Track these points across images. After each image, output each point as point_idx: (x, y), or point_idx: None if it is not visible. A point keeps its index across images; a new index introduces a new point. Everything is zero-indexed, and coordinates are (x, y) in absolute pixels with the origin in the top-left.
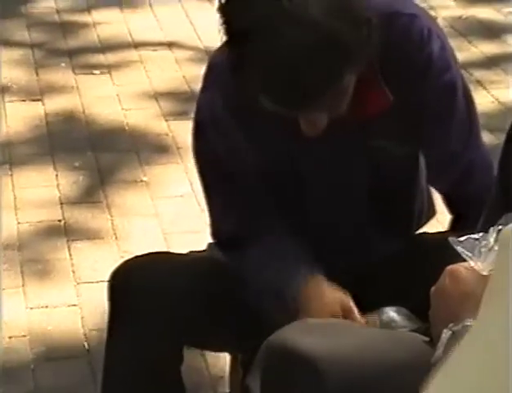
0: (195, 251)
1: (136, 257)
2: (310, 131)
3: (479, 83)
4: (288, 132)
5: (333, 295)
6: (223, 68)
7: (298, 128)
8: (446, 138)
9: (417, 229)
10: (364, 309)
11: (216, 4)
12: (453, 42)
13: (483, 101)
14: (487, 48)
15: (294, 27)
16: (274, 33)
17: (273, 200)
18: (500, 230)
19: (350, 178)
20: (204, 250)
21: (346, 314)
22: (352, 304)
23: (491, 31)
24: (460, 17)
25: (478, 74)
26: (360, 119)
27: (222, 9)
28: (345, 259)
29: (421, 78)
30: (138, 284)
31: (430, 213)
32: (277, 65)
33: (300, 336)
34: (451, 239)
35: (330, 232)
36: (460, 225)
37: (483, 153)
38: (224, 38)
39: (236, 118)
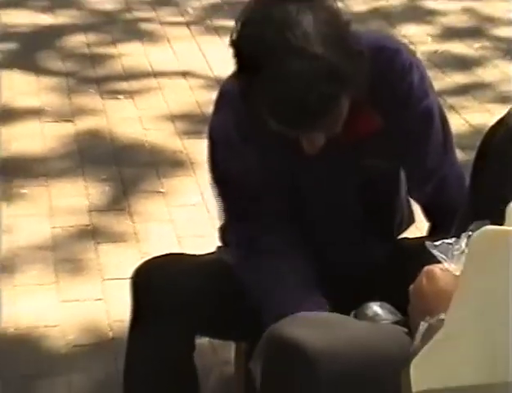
0: (206, 254)
1: (155, 257)
2: (310, 149)
3: (452, 108)
4: (289, 151)
5: None
6: (233, 94)
7: (298, 148)
8: (425, 157)
9: (398, 235)
10: (352, 304)
11: (228, 39)
12: (430, 73)
13: (456, 123)
14: (459, 78)
15: (297, 59)
16: (280, 64)
17: (280, 215)
18: (470, 236)
19: (345, 195)
20: (213, 253)
21: None
22: None
23: (462, 63)
24: (435, 51)
25: (452, 100)
26: (352, 141)
27: (234, 43)
28: (342, 264)
29: (403, 107)
30: (157, 283)
31: (410, 220)
32: (283, 92)
33: (296, 328)
34: (428, 243)
35: (328, 243)
36: (435, 232)
37: (457, 169)
38: (235, 69)
39: (245, 139)
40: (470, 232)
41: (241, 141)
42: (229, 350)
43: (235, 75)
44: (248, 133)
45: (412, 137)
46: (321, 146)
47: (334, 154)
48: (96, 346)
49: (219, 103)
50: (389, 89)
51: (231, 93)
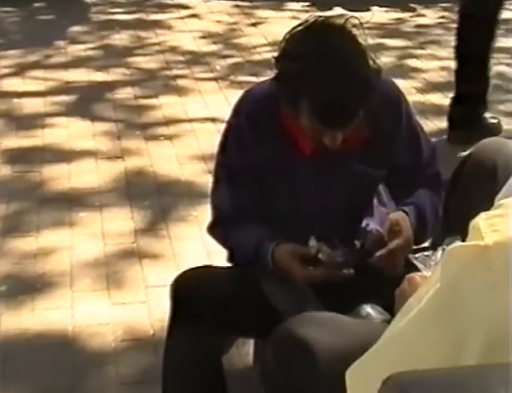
0: (230, 266)
1: (191, 269)
2: (332, 144)
3: None
4: (291, 151)
5: (284, 252)
6: (253, 99)
7: (298, 151)
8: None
9: None
10: (348, 306)
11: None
12: None
13: None
14: (437, 122)
15: (340, 71)
16: (325, 75)
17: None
18: (444, 249)
19: (331, 193)
20: (232, 266)
21: (289, 266)
22: (293, 260)
23: (440, 110)
24: (419, 101)
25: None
26: (344, 148)
27: (282, 57)
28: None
29: (394, 121)
30: (193, 289)
31: None
32: (328, 97)
33: (298, 326)
34: (410, 255)
35: (313, 232)
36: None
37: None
38: (276, 79)
39: (256, 138)
40: (444, 246)
41: (252, 139)
42: (248, 344)
43: (275, 84)
44: (259, 133)
45: (402, 147)
46: (319, 151)
47: (329, 158)
48: (139, 341)
49: (239, 105)
50: (383, 106)
51: (250, 98)
